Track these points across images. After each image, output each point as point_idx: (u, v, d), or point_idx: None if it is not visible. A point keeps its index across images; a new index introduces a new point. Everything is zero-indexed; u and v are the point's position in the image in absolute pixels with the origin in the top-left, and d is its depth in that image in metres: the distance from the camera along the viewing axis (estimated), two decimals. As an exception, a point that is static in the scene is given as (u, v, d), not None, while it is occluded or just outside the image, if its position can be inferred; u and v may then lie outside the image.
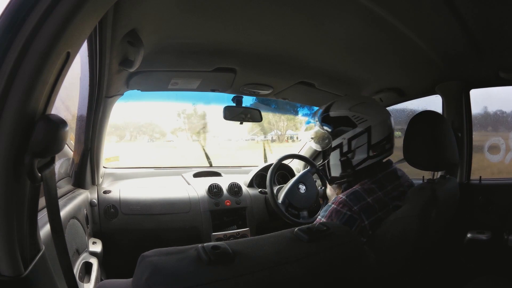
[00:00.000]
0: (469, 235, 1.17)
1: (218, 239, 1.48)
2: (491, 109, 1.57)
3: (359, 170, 0.92)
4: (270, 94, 1.52)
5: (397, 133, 1.11)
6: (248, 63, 1.21)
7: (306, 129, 1.05)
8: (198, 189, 1.55)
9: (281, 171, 1.82)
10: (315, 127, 1.00)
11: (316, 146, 1.00)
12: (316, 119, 1.01)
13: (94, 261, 1.00)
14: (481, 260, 1.17)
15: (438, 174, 1.10)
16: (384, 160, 0.95)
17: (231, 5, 0.82)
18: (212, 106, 1.73)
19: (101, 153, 1.36)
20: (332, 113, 0.95)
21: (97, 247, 1.14)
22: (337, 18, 0.88)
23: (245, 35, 1.00)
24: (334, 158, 0.95)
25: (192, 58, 1.14)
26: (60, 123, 0.45)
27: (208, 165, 2.00)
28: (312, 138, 1.00)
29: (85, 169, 1.26)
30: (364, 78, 1.38)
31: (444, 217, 0.96)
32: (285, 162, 1.78)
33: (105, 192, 1.41)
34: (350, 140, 0.91)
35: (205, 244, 0.41)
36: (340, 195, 0.87)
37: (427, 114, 0.93)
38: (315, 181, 1.68)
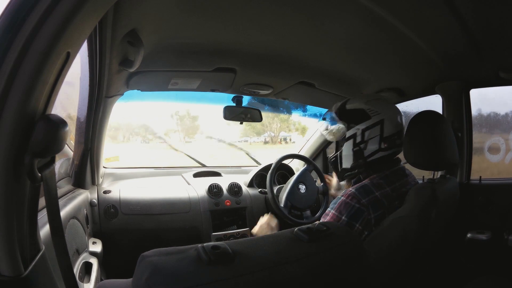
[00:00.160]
0: (469, 235, 1.17)
1: (218, 239, 1.48)
2: (491, 109, 1.57)
3: (370, 162, 0.95)
4: (270, 94, 1.52)
5: None
6: (248, 63, 1.21)
7: (321, 120, 1.09)
8: (198, 189, 1.55)
9: (281, 171, 1.82)
10: (330, 119, 1.04)
11: (329, 137, 1.04)
12: (332, 112, 1.04)
13: (94, 261, 1.00)
14: (481, 260, 1.17)
15: (438, 174, 1.10)
16: (394, 158, 0.98)
17: (231, 5, 0.82)
18: (210, 107, 1.73)
19: (101, 153, 1.36)
20: (349, 106, 0.99)
21: (97, 247, 1.14)
22: (337, 18, 0.88)
23: (245, 35, 0.99)
24: (347, 149, 0.98)
25: (192, 58, 1.14)
26: (60, 123, 0.45)
27: (208, 166, 1.99)
28: (326, 128, 1.04)
29: (85, 169, 1.26)
30: (364, 78, 1.38)
31: (444, 217, 0.96)
32: (285, 162, 1.78)
33: (105, 192, 1.41)
34: (363, 131, 0.94)
35: (205, 244, 0.41)
36: (350, 188, 0.90)
37: (427, 114, 0.93)
38: (315, 181, 1.68)
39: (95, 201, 1.34)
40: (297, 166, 1.99)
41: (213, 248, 0.39)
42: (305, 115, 1.92)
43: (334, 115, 1.02)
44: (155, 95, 1.51)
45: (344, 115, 0.99)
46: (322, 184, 1.63)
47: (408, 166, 0.99)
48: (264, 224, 1.41)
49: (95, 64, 0.92)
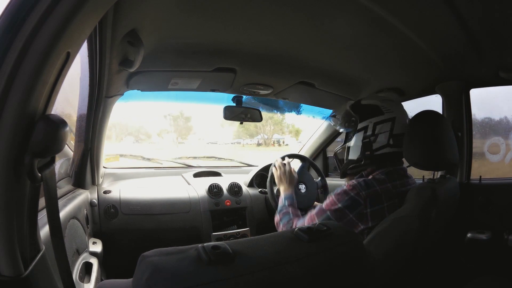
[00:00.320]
0: (469, 235, 1.17)
1: (218, 239, 1.48)
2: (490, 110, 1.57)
3: (376, 156, 0.97)
4: (270, 94, 1.52)
5: None
6: (248, 63, 1.21)
7: (331, 116, 1.13)
8: (198, 189, 1.55)
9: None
10: (342, 113, 1.08)
11: (340, 127, 1.07)
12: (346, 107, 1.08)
13: (94, 261, 1.00)
14: (481, 260, 1.17)
15: (438, 174, 1.10)
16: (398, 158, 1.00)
17: (231, 5, 0.82)
18: (208, 107, 1.73)
19: (101, 153, 1.36)
20: (364, 102, 1.03)
21: (97, 247, 1.14)
22: (337, 18, 0.88)
23: (245, 35, 0.99)
24: (357, 140, 1.01)
25: (192, 58, 1.14)
26: (60, 123, 0.45)
27: (207, 165, 1.99)
28: (338, 118, 1.07)
29: (85, 169, 1.26)
30: (364, 78, 1.38)
31: (444, 217, 0.96)
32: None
33: (105, 192, 1.41)
34: (375, 124, 0.98)
35: (205, 244, 0.40)
36: (353, 180, 0.94)
37: (427, 114, 0.93)
38: (315, 181, 1.68)
39: (95, 201, 1.34)
40: (297, 166, 1.99)
41: (213, 248, 0.39)
42: (300, 114, 1.90)
43: (348, 108, 1.05)
44: (155, 95, 1.51)
45: (358, 109, 1.03)
46: (319, 178, 1.63)
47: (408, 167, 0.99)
48: (285, 173, 1.36)
49: (95, 64, 0.92)
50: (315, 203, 1.53)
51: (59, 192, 1.02)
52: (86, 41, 0.80)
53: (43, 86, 0.43)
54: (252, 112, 1.55)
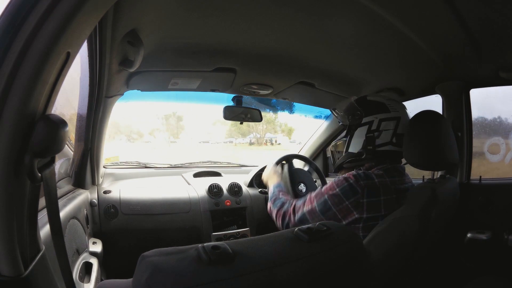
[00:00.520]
0: (469, 235, 1.17)
1: (218, 239, 1.48)
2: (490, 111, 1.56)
3: (377, 152, 0.97)
4: (270, 94, 1.52)
5: None
6: (248, 63, 1.21)
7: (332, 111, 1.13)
8: (198, 189, 1.55)
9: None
10: (348, 105, 1.07)
11: (345, 120, 1.07)
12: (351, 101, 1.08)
13: (94, 261, 1.00)
14: (481, 260, 1.17)
15: (438, 174, 1.10)
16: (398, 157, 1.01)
17: (231, 5, 0.82)
18: (205, 107, 1.73)
19: (101, 153, 1.36)
20: (370, 98, 1.04)
21: (97, 247, 1.14)
22: (337, 18, 0.88)
23: (245, 35, 1.00)
24: (360, 133, 1.01)
25: (192, 58, 1.14)
26: (60, 123, 0.45)
27: (207, 165, 1.99)
28: (343, 112, 1.07)
29: (85, 169, 1.26)
30: (364, 78, 1.38)
31: (444, 217, 0.96)
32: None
33: (105, 192, 1.41)
34: (381, 121, 0.98)
35: (205, 244, 0.41)
36: (353, 171, 0.95)
37: (427, 114, 0.93)
38: (315, 181, 1.68)
39: (95, 201, 1.34)
40: (297, 166, 1.99)
41: (213, 248, 0.39)
42: (295, 114, 1.90)
43: (353, 101, 1.05)
44: (155, 95, 1.51)
45: (364, 103, 1.03)
46: (322, 185, 1.63)
47: (408, 166, 0.99)
48: (270, 172, 1.41)
49: (95, 64, 0.92)
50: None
51: (59, 192, 1.02)
52: (86, 41, 0.80)
53: (43, 86, 0.43)
54: (252, 112, 1.55)
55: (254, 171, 1.74)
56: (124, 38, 0.83)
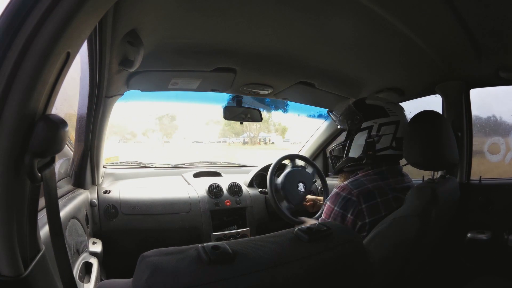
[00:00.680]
0: (469, 235, 1.17)
1: (218, 239, 1.48)
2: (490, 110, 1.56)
3: (378, 156, 0.98)
4: (270, 94, 1.52)
5: None
6: (248, 63, 1.21)
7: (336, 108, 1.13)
8: (198, 189, 1.55)
9: (281, 171, 1.82)
10: (347, 109, 1.07)
11: (344, 125, 1.07)
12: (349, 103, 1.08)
13: (94, 261, 1.00)
14: (481, 260, 1.17)
15: (438, 174, 1.10)
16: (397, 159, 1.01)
17: (231, 5, 0.82)
18: (203, 106, 1.72)
19: (101, 153, 1.36)
20: (368, 101, 1.03)
21: (97, 247, 1.14)
22: (338, 18, 0.88)
23: (245, 35, 1.00)
24: (359, 139, 1.01)
25: (192, 58, 1.14)
26: (60, 123, 0.45)
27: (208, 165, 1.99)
28: (341, 116, 1.07)
29: (85, 169, 1.26)
30: (364, 78, 1.38)
31: (444, 217, 0.96)
32: (285, 162, 1.78)
33: (105, 192, 1.41)
34: (380, 126, 0.98)
35: (205, 244, 0.41)
36: (344, 182, 0.96)
37: (427, 114, 0.93)
38: (315, 181, 1.68)
39: (95, 201, 1.34)
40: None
41: (213, 248, 0.39)
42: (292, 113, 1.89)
43: (351, 105, 1.05)
44: (155, 95, 1.51)
45: (363, 108, 1.02)
46: (319, 178, 1.63)
47: (408, 166, 0.99)
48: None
49: (95, 64, 0.92)
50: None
51: (59, 192, 1.02)
52: (86, 41, 0.80)
53: (43, 86, 0.43)
54: (252, 112, 1.55)
55: (254, 171, 1.75)
56: (124, 38, 0.83)
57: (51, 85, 0.46)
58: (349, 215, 0.89)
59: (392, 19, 0.85)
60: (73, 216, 0.97)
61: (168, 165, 1.88)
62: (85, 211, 1.16)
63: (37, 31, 0.40)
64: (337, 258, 0.48)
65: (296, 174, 1.59)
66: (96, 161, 1.32)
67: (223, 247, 0.40)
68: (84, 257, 0.97)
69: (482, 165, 1.45)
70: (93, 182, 1.36)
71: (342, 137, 1.13)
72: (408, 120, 1.01)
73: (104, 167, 1.56)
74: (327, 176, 1.98)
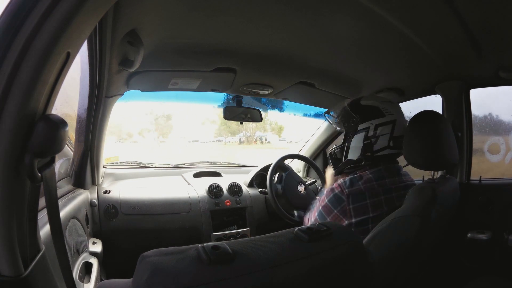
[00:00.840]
0: (469, 235, 1.17)
1: (218, 239, 1.48)
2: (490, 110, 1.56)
3: (376, 157, 0.98)
4: (270, 94, 1.52)
5: None
6: (248, 63, 1.21)
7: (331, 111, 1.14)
8: (198, 189, 1.55)
9: (281, 172, 1.82)
10: (338, 113, 1.08)
11: (340, 127, 1.08)
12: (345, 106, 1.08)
13: (94, 261, 1.00)
14: (481, 260, 1.17)
15: (438, 174, 1.10)
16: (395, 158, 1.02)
17: (231, 5, 0.82)
18: (201, 106, 1.72)
19: (101, 153, 1.36)
20: (363, 102, 1.03)
21: (97, 247, 1.14)
22: (338, 18, 0.88)
23: (246, 35, 1.00)
24: (357, 141, 1.01)
25: (192, 58, 1.14)
26: (60, 123, 0.45)
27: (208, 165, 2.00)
28: (338, 118, 1.08)
29: (85, 169, 1.26)
30: (364, 78, 1.38)
31: (444, 217, 0.96)
32: (285, 162, 1.78)
33: (105, 192, 1.41)
34: (377, 126, 0.99)
35: (205, 244, 0.41)
36: (341, 179, 0.98)
37: (427, 114, 0.93)
38: (315, 181, 1.68)
39: (95, 201, 1.34)
40: (297, 166, 1.99)
41: (213, 248, 0.39)
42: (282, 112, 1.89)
43: (347, 107, 1.05)
44: (155, 95, 1.51)
45: (359, 109, 1.02)
46: (322, 185, 1.63)
47: (408, 166, 0.99)
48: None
49: (95, 64, 0.92)
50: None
51: (59, 192, 1.02)
52: (86, 41, 0.80)
53: (43, 86, 0.43)
54: (252, 112, 1.55)
55: (254, 171, 1.75)
56: (124, 38, 0.83)
57: (51, 85, 0.46)
58: (335, 211, 0.94)
59: (392, 19, 0.85)
60: (73, 216, 0.97)
61: (168, 165, 1.88)
62: (85, 211, 1.16)
63: (37, 31, 0.40)
64: (337, 258, 0.48)
65: (296, 175, 1.59)
66: (96, 161, 1.32)
67: (223, 247, 0.40)
68: (84, 257, 0.97)
69: (483, 163, 1.45)
70: (93, 182, 1.36)
71: (342, 137, 1.13)
72: (406, 117, 1.01)
73: (104, 167, 1.56)
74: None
